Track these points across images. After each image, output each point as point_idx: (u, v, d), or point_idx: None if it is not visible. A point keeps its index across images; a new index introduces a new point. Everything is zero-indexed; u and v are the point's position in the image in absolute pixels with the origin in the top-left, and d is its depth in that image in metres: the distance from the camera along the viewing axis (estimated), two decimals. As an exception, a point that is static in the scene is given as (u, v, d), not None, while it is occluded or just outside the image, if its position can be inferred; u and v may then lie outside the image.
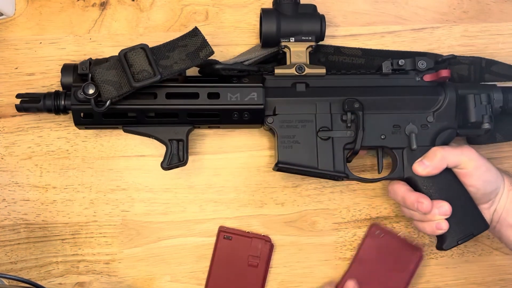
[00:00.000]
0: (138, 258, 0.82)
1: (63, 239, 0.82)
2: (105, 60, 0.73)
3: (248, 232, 0.82)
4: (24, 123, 0.81)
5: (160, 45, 0.71)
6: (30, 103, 0.74)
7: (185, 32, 0.81)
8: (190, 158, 0.82)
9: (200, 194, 0.83)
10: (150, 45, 0.81)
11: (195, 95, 0.73)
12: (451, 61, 0.80)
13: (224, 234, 0.81)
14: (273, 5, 0.78)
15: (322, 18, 0.76)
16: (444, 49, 0.83)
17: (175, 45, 0.71)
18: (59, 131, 0.80)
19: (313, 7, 0.77)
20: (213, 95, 0.74)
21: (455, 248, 0.84)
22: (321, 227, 0.84)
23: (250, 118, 0.75)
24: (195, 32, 0.72)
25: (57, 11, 0.80)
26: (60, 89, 0.76)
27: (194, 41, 0.72)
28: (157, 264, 0.83)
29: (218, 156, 0.83)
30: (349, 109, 0.75)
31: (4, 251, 0.81)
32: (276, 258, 0.84)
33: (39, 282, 0.79)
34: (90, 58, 0.74)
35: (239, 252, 0.81)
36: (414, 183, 0.76)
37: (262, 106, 0.74)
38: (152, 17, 0.81)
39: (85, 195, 0.82)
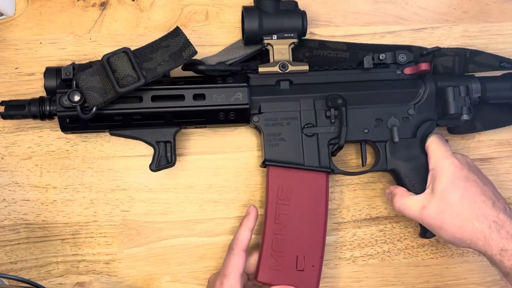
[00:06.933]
0: (138, 258, 0.82)
1: (63, 239, 0.82)
2: (89, 65, 0.73)
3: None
4: (24, 123, 0.81)
5: (143, 47, 0.71)
6: (15, 110, 0.74)
7: (185, 32, 0.81)
8: (191, 158, 0.83)
9: (200, 194, 0.83)
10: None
11: (181, 97, 0.74)
12: (436, 53, 0.80)
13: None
14: (254, 2, 0.78)
15: (303, 14, 0.76)
16: (444, 49, 0.83)
17: (157, 46, 0.71)
18: (59, 131, 0.80)
19: (294, 3, 0.77)
20: (198, 97, 0.74)
21: (455, 248, 0.85)
22: (321, 227, 0.84)
23: (236, 117, 0.76)
24: (177, 31, 0.72)
25: (57, 11, 0.80)
26: (44, 93, 0.76)
27: (176, 41, 0.72)
28: (157, 264, 0.83)
29: (218, 156, 0.83)
30: (332, 105, 0.76)
31: (4, 251, 0.81)
32: (276, 258, 0.84)
33: (39, 282, 0.79)
34: (73, 63, 0.74)
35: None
36: (397, 175, 0.79)
37: (248, 106, 0.75)
38: (152, 17, 0.81)
39: (85, 195, 0.82)
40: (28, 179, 0.81)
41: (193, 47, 0.72)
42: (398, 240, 0.85)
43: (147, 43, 0.80)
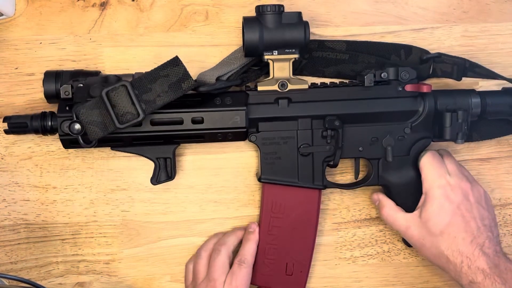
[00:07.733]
0: (138, 258, 0.82)
1: (63, 239, 0.82)
2: (87, 89, 0.72)
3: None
4: (24, 123, 0.80)
5: (142, 76, 0.71)
6: (17, 127, 0.75)
7: (185, 32, 0.81)
8: (191, 158, 0.83)
9: (200, 194, 0.83)
10: (150, 46, 0.81)
11: (180, 121, 0.74)
12: (436, 59, 0.80)
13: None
14: (256, 13, 0.75)
15: (306, 28, 0.74)
16: (444, 49, 0.83)
17: (157, 75, 0.71)
18: (59, 131, 0.81)
19: (298, 15, 0.75)
20: (197, 120, 0.75)
21: (455, 248, 0.85)
22: (321, 227, 0.84)
23: (234, 137, 0.77)
24: (176, 61, 0.72)
25: (57, 11, 0.80)
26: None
27: (175, 71, 0.71)
28: (157, 264, 0.83)
29: (218, 156, 0.83)
30: (329, 127, 0.76)
31: (4, 251, 0.81)
32: (276, 258, 0.84)
33: (39, 282, 0.79)
34: (72, 81, 0.73)
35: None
36: (388, 190, 0.81)
37: (245, 129, 0.76)
38: (152, 17, 0.81)
39: (85, 195, 0.82)
40: (28, 179, 0.81)
41: (192, 79, 0.72)
42: (398, 240, 0.85)
43: (147, 43, 0.81)
